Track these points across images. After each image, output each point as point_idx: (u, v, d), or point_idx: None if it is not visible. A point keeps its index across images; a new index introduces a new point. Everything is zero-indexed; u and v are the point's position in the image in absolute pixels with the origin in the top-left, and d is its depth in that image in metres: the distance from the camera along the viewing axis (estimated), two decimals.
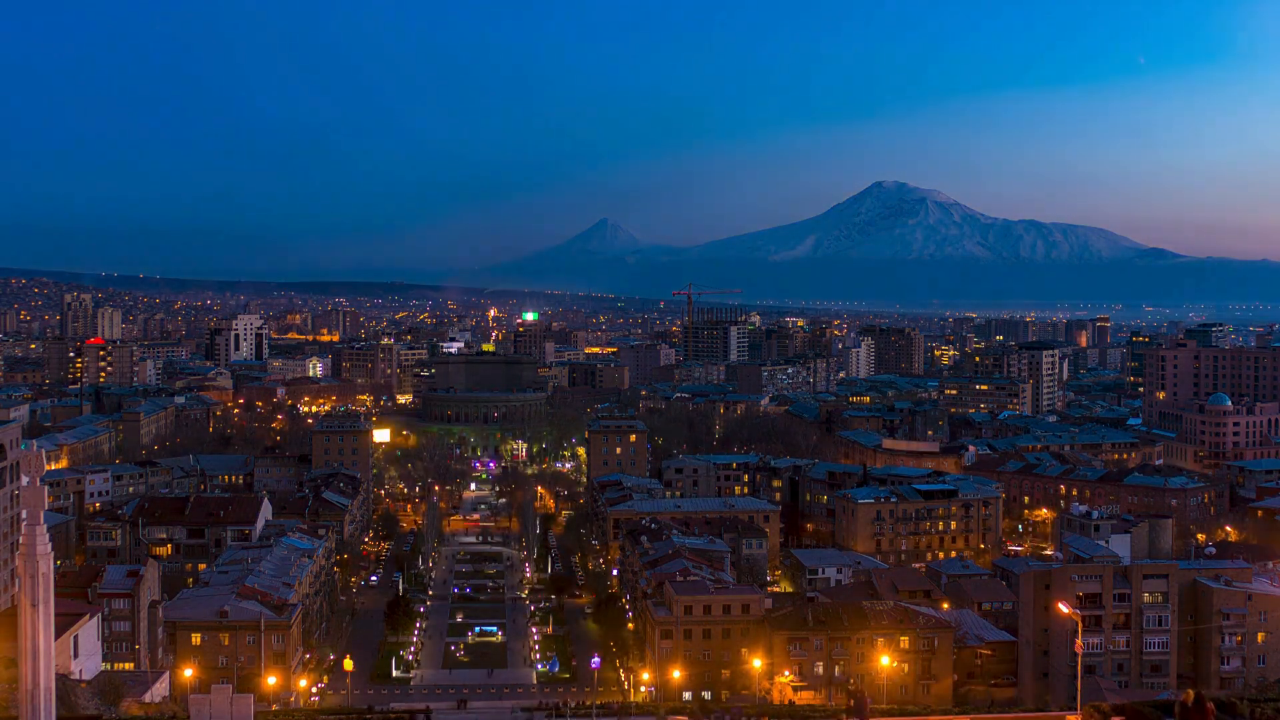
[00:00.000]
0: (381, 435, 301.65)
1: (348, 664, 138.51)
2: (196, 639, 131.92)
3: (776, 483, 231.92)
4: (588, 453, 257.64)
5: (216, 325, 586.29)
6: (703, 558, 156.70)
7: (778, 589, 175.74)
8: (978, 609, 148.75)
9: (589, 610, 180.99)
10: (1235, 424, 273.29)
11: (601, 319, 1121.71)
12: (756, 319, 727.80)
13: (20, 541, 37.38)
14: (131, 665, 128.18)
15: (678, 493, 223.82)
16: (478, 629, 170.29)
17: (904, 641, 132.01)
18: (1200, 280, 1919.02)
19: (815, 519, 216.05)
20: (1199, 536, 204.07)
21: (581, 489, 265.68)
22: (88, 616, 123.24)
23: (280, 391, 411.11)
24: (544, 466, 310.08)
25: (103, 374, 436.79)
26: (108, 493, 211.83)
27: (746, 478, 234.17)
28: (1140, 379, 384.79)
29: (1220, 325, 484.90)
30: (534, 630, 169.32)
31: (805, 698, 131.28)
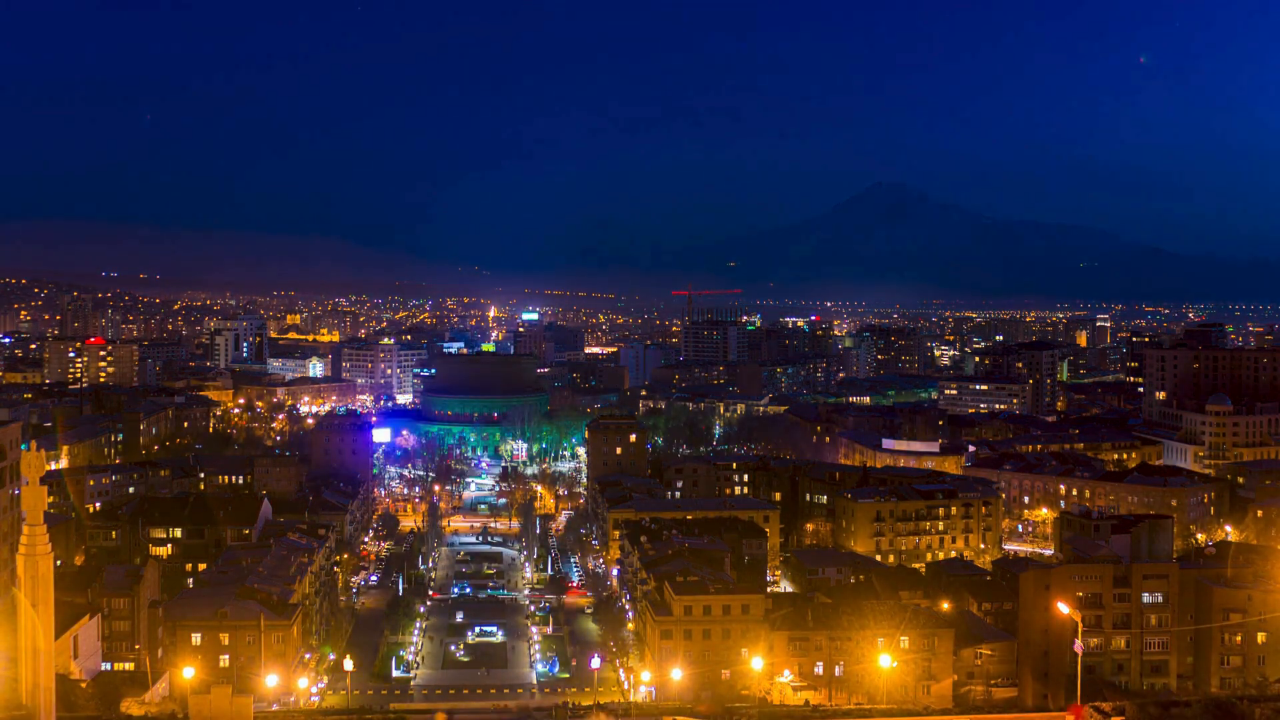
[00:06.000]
0: (381, 435, 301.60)
1: (348, 664, 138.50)
2: (196, 639, 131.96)
3: (776, 483, 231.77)
4: (588, 453, 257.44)
5: (216, 325, 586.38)
6: (703, 558, 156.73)
7: (778, 589, 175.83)
8: (978, 609, 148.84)
9: (589, 610, 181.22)
10: (1235, 424, 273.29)
11: (602, 319, 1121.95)
12: (757, 319, 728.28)
13: (20, 541, 37.30)
14: (131, 665, 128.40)
15: (678, 493, 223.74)
16: (478, 629, 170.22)
17: (904, 641, 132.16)
18: (1200, 280, 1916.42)
19: (815, 519, 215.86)
20: (1199, 536, 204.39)
21: (581, 489, 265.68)
22: (88, 616, 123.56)
23: (280, 391, 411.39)
24: (544, 466, 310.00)
25: (103, 374, 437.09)
26: (108, 493, 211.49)
27: (746, 478, 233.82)
28: (1140, 379, 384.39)
29: (1220, 325, 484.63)
30: (534, 630, 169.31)
31: (805, 697, 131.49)
